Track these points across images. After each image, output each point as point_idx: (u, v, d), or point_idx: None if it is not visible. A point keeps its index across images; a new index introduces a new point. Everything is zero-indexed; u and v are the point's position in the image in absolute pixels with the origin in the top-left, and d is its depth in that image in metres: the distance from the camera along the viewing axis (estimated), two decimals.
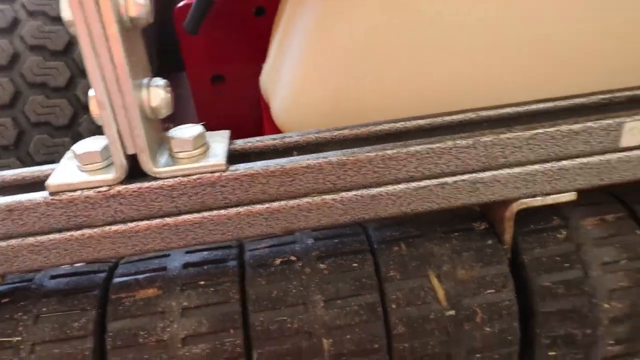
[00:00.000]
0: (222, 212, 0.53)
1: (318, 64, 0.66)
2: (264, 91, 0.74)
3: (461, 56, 0.67)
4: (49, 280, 0.57)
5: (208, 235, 0.54)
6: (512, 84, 0.68)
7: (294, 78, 0.67)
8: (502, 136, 0.55)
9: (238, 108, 0.86)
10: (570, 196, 0.60)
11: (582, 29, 0.68)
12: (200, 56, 0.90)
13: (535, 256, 0.61)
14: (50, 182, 0.50)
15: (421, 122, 0.59)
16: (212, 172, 0.52)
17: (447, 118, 0.60)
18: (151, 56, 0.93)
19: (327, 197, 0.55)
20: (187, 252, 0.61)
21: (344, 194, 0.55)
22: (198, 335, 0.54)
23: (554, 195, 0.59)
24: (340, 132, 0.58)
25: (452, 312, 0.58)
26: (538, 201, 0.59)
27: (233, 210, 0.53)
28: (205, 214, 0.53)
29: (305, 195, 0.54)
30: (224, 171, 0.52)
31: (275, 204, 0.54)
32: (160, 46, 0.99)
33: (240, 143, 0.58)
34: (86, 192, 0.50)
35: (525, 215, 0.62)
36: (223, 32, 0.88)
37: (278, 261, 0.59)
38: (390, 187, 0.55)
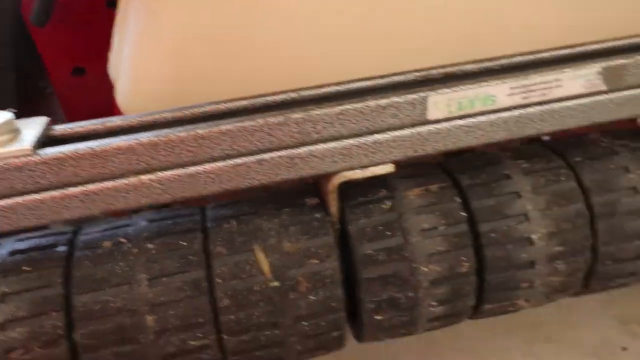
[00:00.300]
0: (35, 196, 0.53)
1: (150, 48, 0.66)
2: (112, 78, 0.74)
3: (291, 37, 0.69)
4: None
5: (22, 220, 0.54)
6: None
7: (130, 63, 0.68)
8: (312, 112, 0.57)
9: (101, 99, 0.86)
10: (387, 168, 0.62)
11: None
12: (57, 49, 0.89)
13: (360, 226, 0.63)
14: None
15: (244, 102, 0.61)
16: (18, 157, 0.51)
17: (270, 98, 0.61)
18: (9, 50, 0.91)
19: (144, 177, 0.55)
20: (18, 240, 0.61)
21: (160, 173, 0.56)
22: (16, 319, 0.54)
23: (372, 168, 0.62)
24: (162, 115, 0.59)
25: (276, 283, 0.60)
26: (357, 174, 0.62)
27: (47, 194, 0.53)
28: (18, 199, 0.53)
29: (121, 176, 0.55)
30: (30, 156, 0.52)
31: (91, 186, 0.54)
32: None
33: (60, 128, 0.58)
34: None
35: (354, 189, 0.65)
36: (77, 24, 0.87)
37: (107, 244, 0.60)
38: (207, 165, 0.57)
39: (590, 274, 0.70)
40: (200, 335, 0.58)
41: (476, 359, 1.15)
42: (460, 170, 0.69)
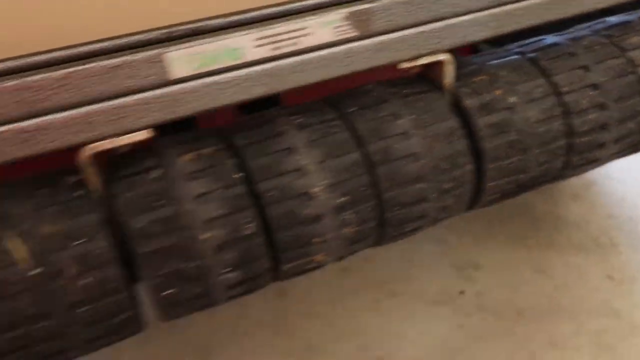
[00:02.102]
0: None
1: None
2: None
3: None
4: None
5: None
6: None
7: None
8: (29, 79, 0.47)
9: None
10: (142, 134, 0.54)
11: None
12: None
13: (127, 200, 0.54)
14: None
15: None
16: None
17: None
18: None
19: None
20: None
21: None
22: None
23: (125, 136, 0.53)
24: None
25: (38, 270, 0.50)
26: (109, 143, 0.53)
27: None
28: None
29: None
30: None
31: None
32: None
33: None
34: None
35: (118, 160, 0.56)
36: None
37: None
38: None
39: (382, 221, 0.65)
40: None
41: (326, 322, 1.10)
42: (234, 132, 0.61)
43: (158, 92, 0.52)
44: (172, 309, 0.58)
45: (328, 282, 1.17)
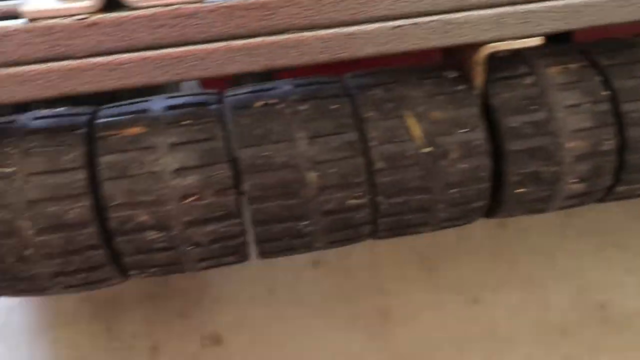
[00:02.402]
0: (203, 46, 0.48)
1: None
2: None
3: None
4: (33, 120, 0.53)
5: (190, 71, 0.48)
6: None
7: None
8: None
9: None
10: (536, 41, 0.55)
11: None
12: None
13: (505, 100, 0.57)
14: (27, 8, 0.44)
15: None
16: (191, 3, 0.46)
17: None
18: None
19: (306, 34, 0.49)
20: (169, 97, 0.56)
21: (321, 31, 0.50)
22: (187, 168, 0.50)
23: (522, 40, 0.55)
24: None
25: (428, 149, 0.55)
26: (506, 45, 0.55)
27: (213, 45, 0.48)
28: (186, 48, 0.48)
29: (285, 31, 0.49)
30: (202, 1, 0.46)
31: (255, 40, 0.49)
32: None
33: None
34: (65, 20, 0.44)
35: (495, 64, 0.58)
36: None
37: (259, 104, 0.55)
38: (365, 26, 0.50)
39: None
40: (357, 195, 0.54)
41: (547, 259, 1.11)
42: (597, 52, 0.61)
43: (562, 2, 0.53)
44: (514, 207, 0.61)
45: (551, 222, 1.16)
